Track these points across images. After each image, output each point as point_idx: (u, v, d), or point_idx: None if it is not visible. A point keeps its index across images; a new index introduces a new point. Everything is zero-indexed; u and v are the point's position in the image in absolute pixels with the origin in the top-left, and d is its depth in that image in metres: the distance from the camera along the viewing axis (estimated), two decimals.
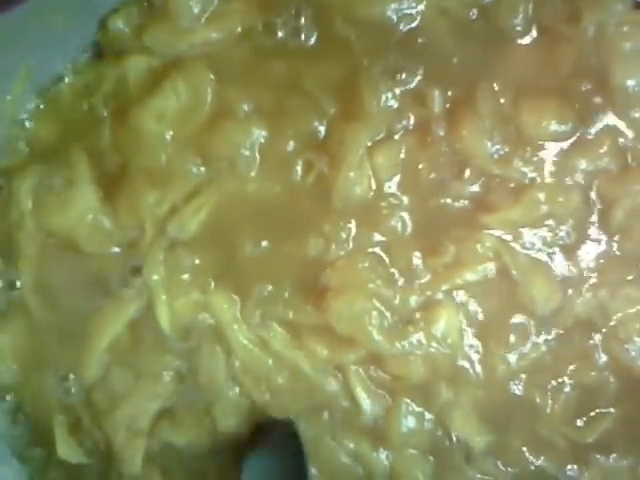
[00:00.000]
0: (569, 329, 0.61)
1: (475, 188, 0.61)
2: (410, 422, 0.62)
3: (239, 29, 0.61)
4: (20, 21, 0.57)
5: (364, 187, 0.60)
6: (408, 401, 0.62)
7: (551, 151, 0.60)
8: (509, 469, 0.63)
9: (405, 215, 0.61)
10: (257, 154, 0.61)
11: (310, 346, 0.61)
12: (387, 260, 0.61)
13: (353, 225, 0.61)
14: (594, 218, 0.61)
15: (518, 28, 0.61)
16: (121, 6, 0.62)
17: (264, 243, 0.61)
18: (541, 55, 0.60)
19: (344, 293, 0.60)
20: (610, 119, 0.61)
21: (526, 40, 0.61)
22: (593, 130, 0.61)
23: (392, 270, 0.60)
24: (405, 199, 0.61)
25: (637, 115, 0.60)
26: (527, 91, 0.60)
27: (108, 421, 0.63)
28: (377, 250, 0.61)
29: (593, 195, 0.61)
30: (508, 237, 0.61)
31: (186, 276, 0.61)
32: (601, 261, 0.61)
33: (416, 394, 0.62)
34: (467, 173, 0.60)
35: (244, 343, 0.61)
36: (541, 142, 0.60)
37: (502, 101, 0.60)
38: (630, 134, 0.61)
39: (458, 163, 0.60)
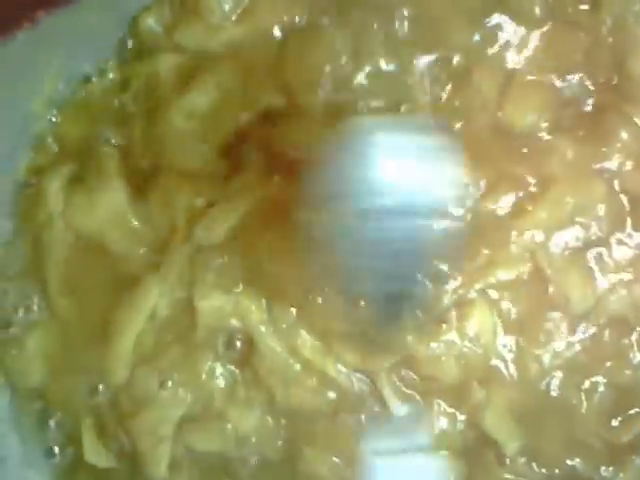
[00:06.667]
0: (603, 327, 0.61)
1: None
2: (442, 423, 0.61)
3: (271, 27, 0.61)
4: (51, 20, 0.57)
5: None
6: (440, 402, 0.61)
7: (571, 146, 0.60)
8: (542, 470, 0.62)
9: None
10: None
11: (341, 353, 0.60)
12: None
13: None
14: (625, 213, 0.61)
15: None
16: (153, 4, 0.62)
17: (293, 248, 0.60)
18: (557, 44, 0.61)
19: None
20: (629, 110, 0.60)
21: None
22: (612, 122, 0.60)
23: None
24: None
25: None
26: None
27: (133, 425, 0.62)
28: None
29: (620, 190, 0.61)
30: (541, 237, 0.60)
31: (213, 277, 0.61)
32: (635, 258, 0.61)
33: (448, 395, 0.61)
34: None
35: (272, 346, 0.60)
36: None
37: None
38: None
39: None
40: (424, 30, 0.61)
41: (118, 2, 0.60)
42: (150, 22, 0.62)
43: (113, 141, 0.63)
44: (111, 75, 0.63)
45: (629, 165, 0.60)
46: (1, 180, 0.64)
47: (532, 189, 0.60)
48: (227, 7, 0.61)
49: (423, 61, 0.61)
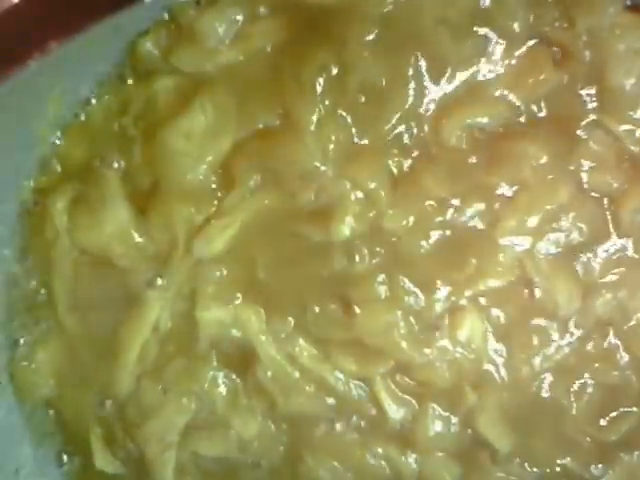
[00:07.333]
0: (590, 330, 0.62)
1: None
2: (437, 426, 0.63)
3: (265, 49, 0.62)
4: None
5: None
6: (434, 406, 0.63)
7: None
8: (535, 469, 0.64)
9: None
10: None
11: (338, 361, 0.62)
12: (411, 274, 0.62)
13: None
14: (605, 218, 0.62)
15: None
16: (150, 29, 0.63)
17: (289, 260, 0.63)
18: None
19: (371, 307, 0.61)
20: (607, 120, 0.61)
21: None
22: (592, 132, 0.61)
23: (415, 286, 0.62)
24: None
25: (636, 116, 0.61)
26: None
27: (140, 433, 0.65)
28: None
29: (600, 196, 0.62)
30: (525, 245, 0.62)
31: (213, 289, 0.63)
32: (619, 262, 0.62)
33: (442, 399, 0.63)
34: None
35: (271, 354, 0.62)
36: None
37: None
38: (631, 135, 0.61)
39: None
40: (406, 40, 0.62)
41: (117, 27, 0.61)
42: (148, 46, 0.64)
43: (115, 162, 0.64)
44: (111, 98, 0.64)
45: (611, 174, 0.61)
46: (8, 200, 0.65)
47: (505, 197, 0.62)
48: (221, 31, 0.62)
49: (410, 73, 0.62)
